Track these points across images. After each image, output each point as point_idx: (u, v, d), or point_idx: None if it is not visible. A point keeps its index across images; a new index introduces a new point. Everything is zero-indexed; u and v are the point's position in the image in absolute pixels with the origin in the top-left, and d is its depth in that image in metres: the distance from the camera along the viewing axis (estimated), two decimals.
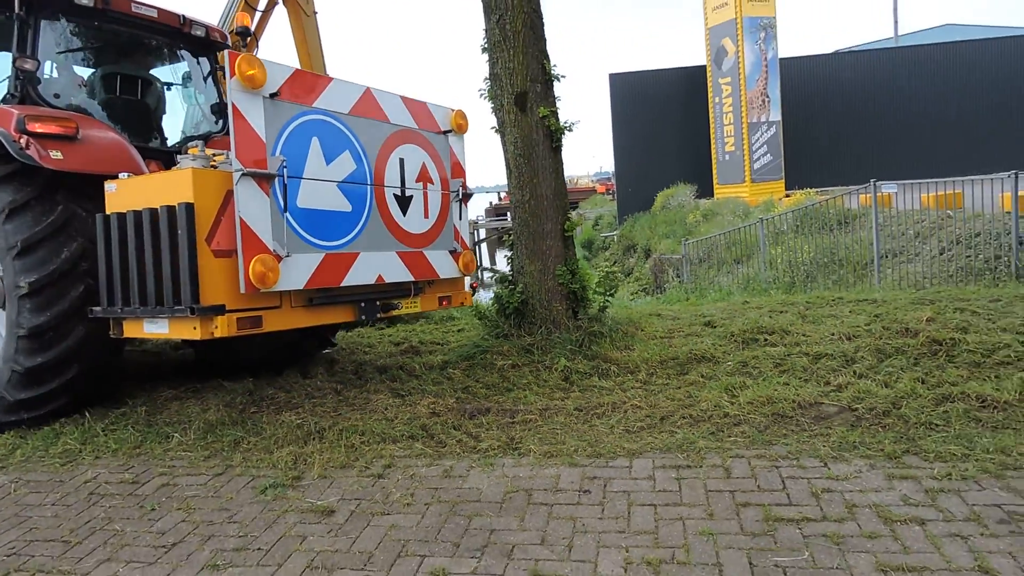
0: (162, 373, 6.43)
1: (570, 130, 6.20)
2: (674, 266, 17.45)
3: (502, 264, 37.09)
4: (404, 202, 5.13)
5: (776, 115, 25.26)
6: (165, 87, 6.43)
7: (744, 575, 2.65)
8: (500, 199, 56.03)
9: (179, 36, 6.20)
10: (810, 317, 6.34)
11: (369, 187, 4.85)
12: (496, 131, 6.29)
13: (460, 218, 5.66)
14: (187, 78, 6.51)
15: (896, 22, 38.47)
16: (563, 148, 6.22)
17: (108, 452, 4.43)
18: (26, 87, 5.18)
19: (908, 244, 11.95)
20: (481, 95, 6.38)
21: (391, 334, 7.71)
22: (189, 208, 3.96)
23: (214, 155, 4.52)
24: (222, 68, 6.49)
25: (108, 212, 4.47)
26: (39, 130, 4.65)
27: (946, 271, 10.45)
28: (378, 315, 5.03)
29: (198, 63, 6.46)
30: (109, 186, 4.54)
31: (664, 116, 28.32)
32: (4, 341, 4.80)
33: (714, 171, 26.65)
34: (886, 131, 27.78)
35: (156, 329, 4.27)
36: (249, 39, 7.84)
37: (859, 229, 12.68)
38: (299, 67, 4.41)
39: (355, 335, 7.83)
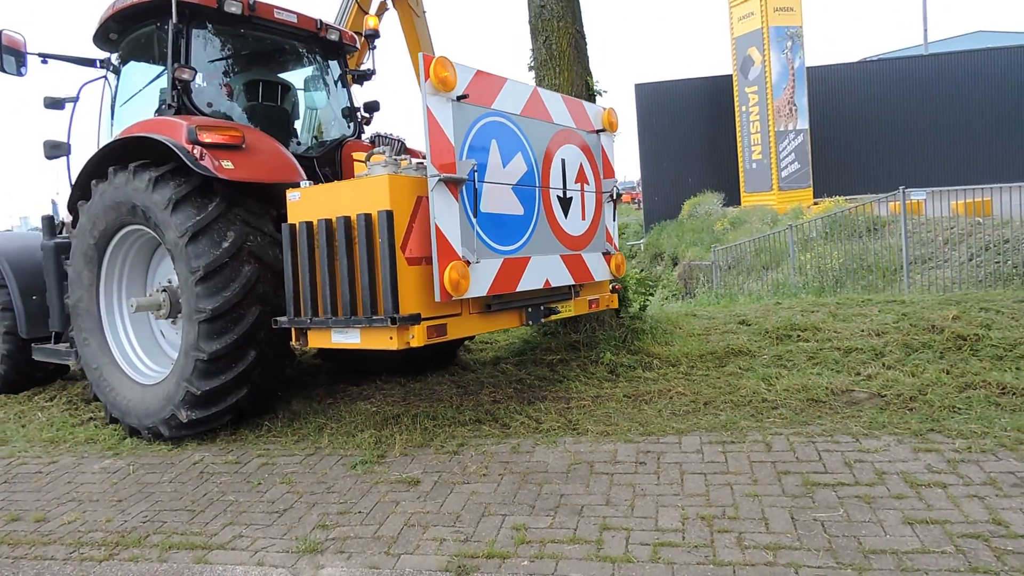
0: None
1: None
2: (703, 272, 17.79)
3: None
4: (565, 204, 5.00)
5: (804, 123, 25.51)
6: (301, 91, 6.52)
7: (788, 528, 3.07)
8: None
9: (315, 40, 6.29)
10: (840, 316, 6.71)
11: (537, 189, 4.71)
12: None
13: (612, 219, 5.57)
14: (321, 82, 6.58)
15: (925, 29, 38.53)
16: None
17: (207, 440, 4.93)
18: (183, 97, 5.28)
19: (938, 250, 12.21)
20: None
21: None
22: (389, 216, 3.88)
23: (399, 160, 4.33)
24: (352, 72, 6.77)
25: (292, 221, 4.38)
26: (210, 140, 4.66)
27: (975, 276, 10.70)
28: (542, 320, 4.90)
29: (329, 67, 6.54)
30: (292, 195, 4.43)
31: (690, 125, 28.69)
32: (180, 361, 4.81)
33: (741, 179, 26.92)
34: (915, 139, 27.85)
35: (345, 339, 4.17)
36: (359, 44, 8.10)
37: (888, 236, 12.94)
38: (480, 69, 4.31)
39: None
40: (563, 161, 4.95)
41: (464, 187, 4.08)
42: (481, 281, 4.16)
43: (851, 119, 28.13)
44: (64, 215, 6.46)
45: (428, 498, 3.69)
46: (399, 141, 6.53)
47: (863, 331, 6.00)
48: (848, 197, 20.78)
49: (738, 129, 26.94)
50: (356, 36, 6.71)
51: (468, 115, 4.17)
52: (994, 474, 3.40)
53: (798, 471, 3.61)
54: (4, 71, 5.58)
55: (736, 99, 26.79)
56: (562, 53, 6.44)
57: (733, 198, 26.44)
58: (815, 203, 22.81)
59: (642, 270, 25.12)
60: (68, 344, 5.86)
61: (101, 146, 5.45)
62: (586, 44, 6.66)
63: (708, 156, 28.40)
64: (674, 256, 22.42)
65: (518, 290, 4.51)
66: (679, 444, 4.10)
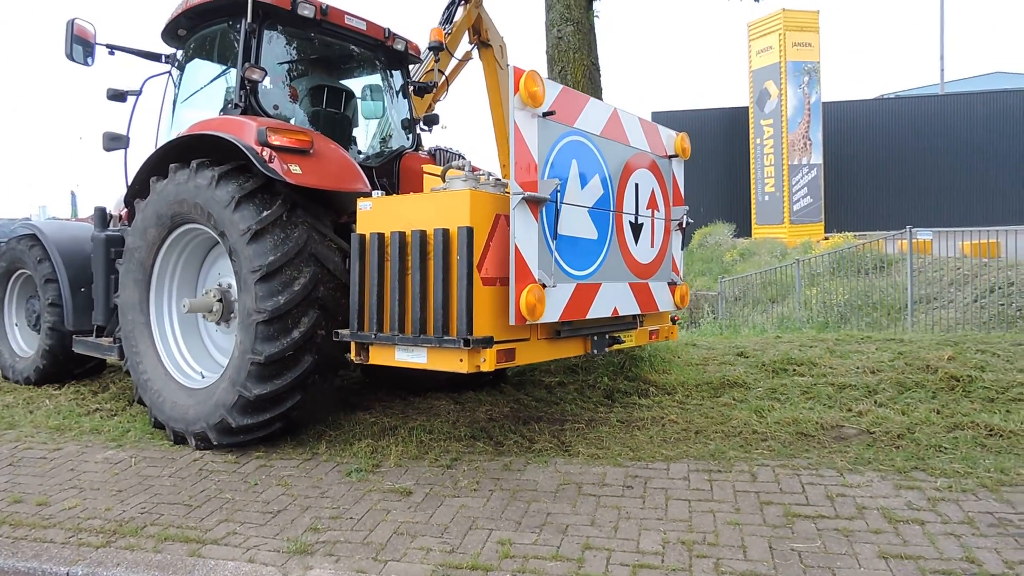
0: None
1: None
2: (709, 302, 17.85)
3: None
4: (637, 230, 4.82)
5: (818, 158, 25.67)
6: (363, 101, 6.46)
7: (765, 556, 3.15)
8: None
9: (381, 49, 6.24)
10: (838, 352, 6.78)
11: (612, 213, 4.54)
12: None
13: (681, 248, 5.42)
14: (384, 92, 6.50)
15: (942, 69, 38.62)
16: None
17: None
18: (251, 97, 5.21)
19: (943, 290, 12.26)
20: None
21: None
22: (469, 232, 3.70)
23: (479, 175, 4.17)
24: (415, 83, 6.77)
25: (362, 231, 4.20)
26: (279, 143, 4.57)
27: (979, 318, 10.74)
28: (605, 349, 4.69)
29: (393, 76, 6.51)
30: (363, 204, 4.26)
31: (705, 155, 28.82)
32: (233, 364, 4.64)
33: (753, 211, 27.05)
34: (929, 178, 27.94)
35: (411, 358, 3.97)
36: (441, 81, 8.12)
37: (895, 274, 13.01)
38: (566, 86, 4.23)
39: None
40: (636, 186, 4.80)
41: (545, 207, 3.93)
42: (555, 306, 3.99)
43: (865, 155, 28.27)
44: (85, 209, 6.52)
45: (419, 509, 3.79)
46: (460, 156, 6.47)
47: (858, 368, 6.07)
48: (858, 233, 20.87)
49: (752, 161, 27.12)
50: (421, 49, 6.67)
51: (552, 132, 4.04)
52: (972, 513, 3.48)
53: (780, 502, 3.70)
54: (73, 60, 5.59)
55: (751, 131, 27.00)
56: (576, 84, 6.61)
57: (744, 229, 26.55)
58: (825, 238, 22.88)
59: None
60: (112, 340, 5.76)
61: (162, 143, 5.38)
62: (600, 76, 6.84)
63: (721, 186, 28.57)
64: None
65: (588, 317, 4.33)
66: (667, 470, 4.19)
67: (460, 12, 8.68)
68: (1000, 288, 10.85)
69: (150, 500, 4.02)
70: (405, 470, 4.35)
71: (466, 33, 8.99)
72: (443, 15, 8.78)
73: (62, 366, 6.67)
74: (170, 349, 5.31)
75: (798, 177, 25.54)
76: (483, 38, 9.10)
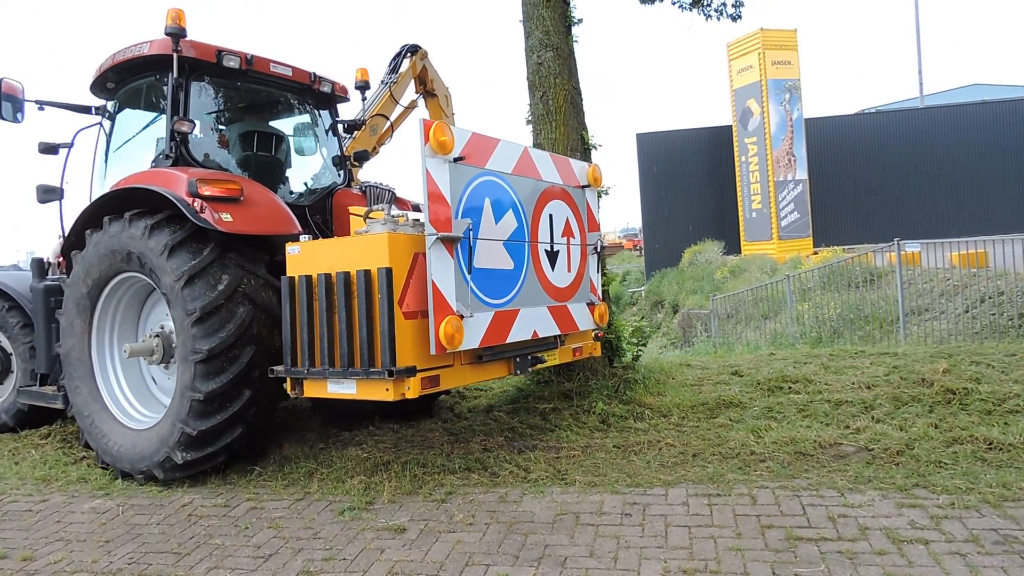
0: None
1: (607, 194, 6.79)
2: (702, 321, 17.84)
3: None
4: (552, 257, 5.17)
5: (803, 174, 25.85)
6: (293, 141, 6.71)
7: None
8: None
9: (309, 92, 6.52)
10: (832, 368, 6.75)
11: (527, 244, 4.89)
12: None
13: (596, 271, 5.75)
14: (314, 132, 6.80)
15: (921, 82, 39.15)
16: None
17: (198, 483, 4.95)
18: (180, 148, 5.43)
19: (934, 302, 12.27)
20: None
21: None
22: (388, 272, 4.00)
23: (396, 217, 4.52)
24: (343, 121, 7.02)
25: (291, 274, 4.44)
26: (209, 193, 4.81)
27: (971, 328, 10.74)
28: (529, 369, 5.01)
29: (321, 117, 6.78)
30: (292, 248, 4.50)
31: (691, 174, 29.08)
32: (175, 403, 4.87)
33: (741, 228, 27.17)
34: (913, 190, 28.20)
35: (341, 389, 4.24)
36: (386, 126, 8.68)
37: (885, 286, 13.03)
38: (476, 131, 4.53)
39: None
40: (551, 216, 5.13)
41: (459, 244, 4.21)
42: (474, 334, 4.27)
43: (849, 170, 28.52)
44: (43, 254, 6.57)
45: (413, 546, 3.70)
46: (390, 191, 6.68)
47: (854, 384, 6.03)
48: (847, 247, 20.95)
49: (738, 179, 27.29)
50: (347, 89, 6.92)
51: (464, 175, 4.34)
52: (977, 531, 3.42)
53: (782, 525, 3.63)
54: (2, 118, 5.72)
55: (736, 149, 27.21)
56: (558, 108, 6.62)
57: (733, 247, 26.65)
58: (815, 252, 22.97)
59: (643, 317, 25.23)
60: (56, 388, 5.86)
61: (97, 195, 5.60)
62: (582, 100, 6.85)
63: (709, 205, 28.73)
64: (675, 304, 22.52)
65: (508, 341, 4.63)
66: (665, 496, 4.12)
67: (406, 63, 9.04)
68: (991, 297, 10.87)
69: (138, 550, 3.91)
70: (399, 506, 4.26)
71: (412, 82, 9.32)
72: (390, 65, 9.10)
73: (42, 409, 6.58)
74: (114, 393, 5.47)
75: (784, 193, 25.70)
76: (428, 88, 9.46)
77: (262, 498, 4.57)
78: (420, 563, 3.50)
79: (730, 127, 27.64)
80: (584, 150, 6.75)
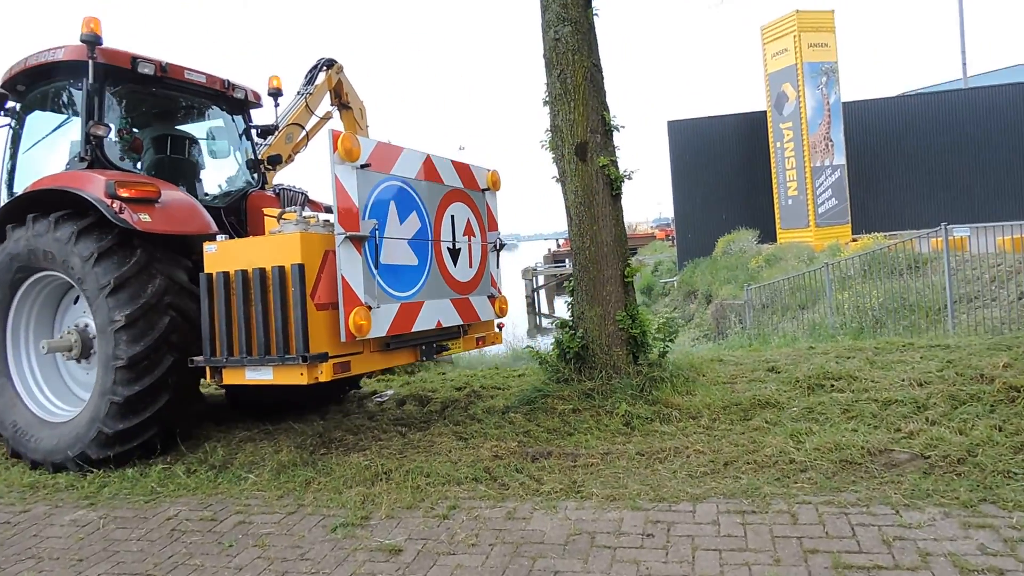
0: (236, 415, 6.69)
1: (629, 178, 6.32)
2: (736, 311, 17.21)
3: (560, 310, 37.13)
4: (455, 254, 5.65)
5: (840, 159, 24.93)
6: (208, 145, 6.94)
7: None
8: (559, 246, 56.44)
9: (223, 98, 6.74)
10: (879, 363, 6.20)
11: (430, 242, 5.35)
12: (557, 180, 6.46)
13: (496, 266, 6.26)
14: (228, 137, 7.01)
15: (964, 63, 37.59)
16: (623, 195, 6.34)
17: (188, 492, 4.64)
18: (96, 151, 5.57)
19: (984, 289, 11.55)
20: (542, 146, 6.58)
21: (453, 379, 7.85)
22: (301, 268, 4.37)
23: (308, 218, 4.92)
24: (257, 127, 7.25)
25: (209, 271, 4.74)
26: (127, 194, 4.99)
27: None
28: (434, 356, 5.48)
29: (235, 121, 6.99)
30: (209, 247, 4.81)
31: (724, 162, 28.24)
32: (93, 402, 5.08)
33: (777, 216, 26.33)
34: (956, 174, 27.02)
35: (259, 376, 4.57)
36: (302, 135, 8.93)
37: (931, 274, 12.30)
38: (380, 141, 4.99)
39: (418, 380, 8.01)
40: (453, 217, 5.65)
41: (366, 242, 4.62)
42: (381, 323, 4.70)
43: (890, 154, 27.41)
44: None
45: (408, 571, 3.31)
46: (302, 193, 6.97)
47: (904, 380, 5.49)
48: (888, 233, 20.09)
49: (773, 165, 26.40)
50: (260, 95, 7.16)
51: (370, 180, 4.75)
52: None
53: (827, 549, 3.15)
54: None
55: (771, 135, 26.32)
56: (577, 87, 6.16)
57: (768, 235, 25.82)
58: (853, 239, 22.10)
59: (675, 308, 24.68)
60: None
61: (6, 191, 5.94)
62: (602, 77, 6.36)
63: (743, 193, 27.86)
64: (708, 294, 21.85)
65: (413, 330, 5.08)
66: (693, 513, 3.66)
67: (322, 76, 9.26)
68: None
69: (112, 570, 3.59)
70: (397, 522, 3.86)
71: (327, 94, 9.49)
72: (306, 76, 9.27)
73: None
74: (30, 388, 5.66)
75: (821, 179, 24.80)
76: (343, 100, 9.63)
77: (252, 511, 4.21)
78: None
79: (764, 112, 26.73)
80: (605, 131, 6.28)
